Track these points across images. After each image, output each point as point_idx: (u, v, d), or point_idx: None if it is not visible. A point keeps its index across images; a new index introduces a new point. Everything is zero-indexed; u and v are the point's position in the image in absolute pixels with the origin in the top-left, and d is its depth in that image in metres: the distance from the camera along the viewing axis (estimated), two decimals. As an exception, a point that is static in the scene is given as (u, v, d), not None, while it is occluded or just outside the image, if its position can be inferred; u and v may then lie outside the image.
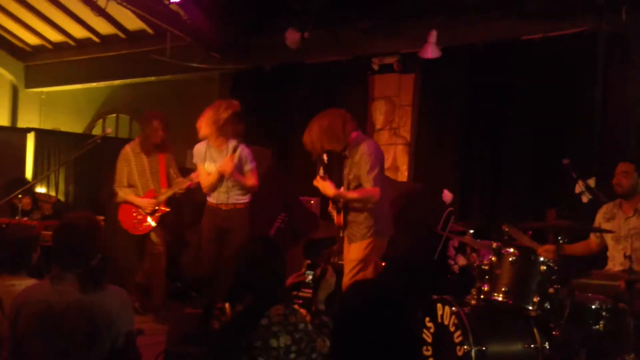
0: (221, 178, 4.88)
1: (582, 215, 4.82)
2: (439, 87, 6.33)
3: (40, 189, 8.00)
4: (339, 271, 3.60)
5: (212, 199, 5.02)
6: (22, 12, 8.60)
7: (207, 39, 7.35)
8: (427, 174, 6.37)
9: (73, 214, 2.74)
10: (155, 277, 5.41)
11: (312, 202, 6.18)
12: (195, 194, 5.54)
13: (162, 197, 5.33)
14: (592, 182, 5.00)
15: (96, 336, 2.44)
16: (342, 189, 4.17)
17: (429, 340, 3.73)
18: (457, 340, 3.46)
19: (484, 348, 3.38)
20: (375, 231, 4.11)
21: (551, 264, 3.63)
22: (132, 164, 5.38)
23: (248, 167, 4.97)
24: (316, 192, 4.34)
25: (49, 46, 9.53)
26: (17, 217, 5.64)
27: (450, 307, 3.58)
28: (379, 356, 1.83)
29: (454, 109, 6.21)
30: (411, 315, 1.97)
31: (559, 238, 3.68)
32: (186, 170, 5.74)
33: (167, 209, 5.36)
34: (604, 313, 3.52)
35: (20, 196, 5.39)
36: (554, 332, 3.49)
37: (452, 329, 3.54)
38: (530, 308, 3.57)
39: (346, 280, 4.10)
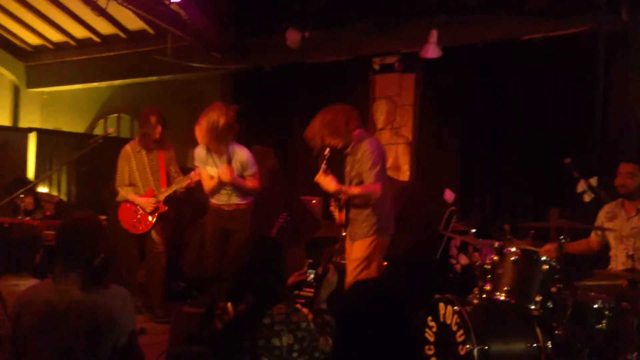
0: (222, 183, 4.88)
1: (584, 214, 4.81)
2: (440, 86, 6.34)
3: (43, 189, 8.00)
4: (341, 270, 3.60)
5: (214, 200, 5.03)
6: (23, 13, 8.60)
7: (208, 39, 7.36)
8: (429, 173, 6.38)
9: (76, 213, 2.75)
10: (154, 275, 5.41)
11: (313, 201, 6.19)
12: (196, 193, 5.55)
13: (162, 196, 5.34)
14: (594, 181, 5.00)
15: (98, 335, 2.44)
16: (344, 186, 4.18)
17: (432, 339, 3.73)
18: (459, 340, 3.46)
19: (486, 347, 3.37)
20: (378, 229, 4.11)
21: (553, 263, 3.63)
22: (132, 162, 5.38)
23: (249, 171, 4.96)
24: (317, 192, 4.34)
25: (50, 46, 9.53)
26: (19, 217, 5.63)
27: (453, 306, 3.58)
28: (381, 355, 1.84)
29: (455, 108, 6.22)
30: (413, 314, 1.98)
31: (561, 237, 3.68)
32: (188, 170, 5.74)
33: (166, 208, 5.36)
34: (606, 312, 3.51)
35: (22, 196, 5.38)
36: (556, 332, 3.48)
37: (454, 328, 3.53)
38: (533, 307, 3.57)
39: (350, 279, 4.09)
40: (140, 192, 5.36)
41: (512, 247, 3.82)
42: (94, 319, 2.44)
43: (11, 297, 2.62)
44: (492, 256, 3.86)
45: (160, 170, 5.40)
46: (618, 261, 4.11)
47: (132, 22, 8.14)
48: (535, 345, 3.48)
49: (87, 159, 7.26)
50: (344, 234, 4.32)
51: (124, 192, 5.37)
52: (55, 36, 9.20)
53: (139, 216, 5.35)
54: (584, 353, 3.47)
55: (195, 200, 5.88)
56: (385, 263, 4.46)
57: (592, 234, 4.37)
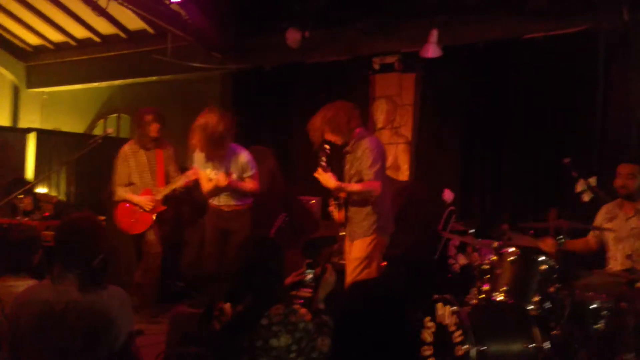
0: (220, 187, 4.87)
1: (583, 214, 4.81)
2: (440, 86, 6.33)
3: (41, 189, 8.00)
4: (340, 271, 3.60)
5: (214, 201, 5.03)
6: (23, 12, 8.60)
7: (208, 38, 7.36)
8: (428, 173, 6.37)
9: (75, 214, 2.75)
10: (149, 274, 5.41)
11: (312, 202, 6.18)
12: (194, 192, 5.54)
13: (160, 195, 5.34)
14: (593, 180, 4.99)
15: (96, 336, 2.44)
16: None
17: (430, 339, 3.73)
18: (457, 340, 3.46)
19: (484, 347, 3.37)
20: (378, 228, 4.11)
21: (552, 263, 3.63)
22: (131, 162, 5.39)
23: (249, 173, 4.96)
24: (316, 192, 4.34)
25: (50, 46, 9.53)
26: (18, 218, 5.64)
27: (451, 306, 3.58)
28: (379, 355, 1.84)
29: (455, 108, 6.21)
30: (411, 314, 1.98)
31: (560, 237, 3.68)
32: (188, 170, 5.74)
33: (165, 207, 5.36)
34: (604, 312, 3.52)
35: (21, 196, 5.39)
36: (554, 332, 3.49)
37: (452, 328, 3.53)
38: (531, 307, 3.57)
39: (350, 279, 4.09)
40: (138, 192, 5.36)
41: (511, 246, 3.82)
42: (91, 319, 2.44)
43: (9, 298, 2.63)
44: (491, 256, 3.87)
45: (158, 170, 5.40)
46: (617, 262, 4.10)
47: (132, 22, 8.14)
48: (533, 345, 3.47)
49: (86, 159, 7.24)
50: (342, 233, 4.31)
51: (122, 192, 5.37)
52: (56, 36, 9.20)
53: (136, 216, 5.35)
54: (582, 353, 3.47)
55: (194, 199, 5.88)
56: (384, 263, 4.46)
57: (590, 234, 4.37)
